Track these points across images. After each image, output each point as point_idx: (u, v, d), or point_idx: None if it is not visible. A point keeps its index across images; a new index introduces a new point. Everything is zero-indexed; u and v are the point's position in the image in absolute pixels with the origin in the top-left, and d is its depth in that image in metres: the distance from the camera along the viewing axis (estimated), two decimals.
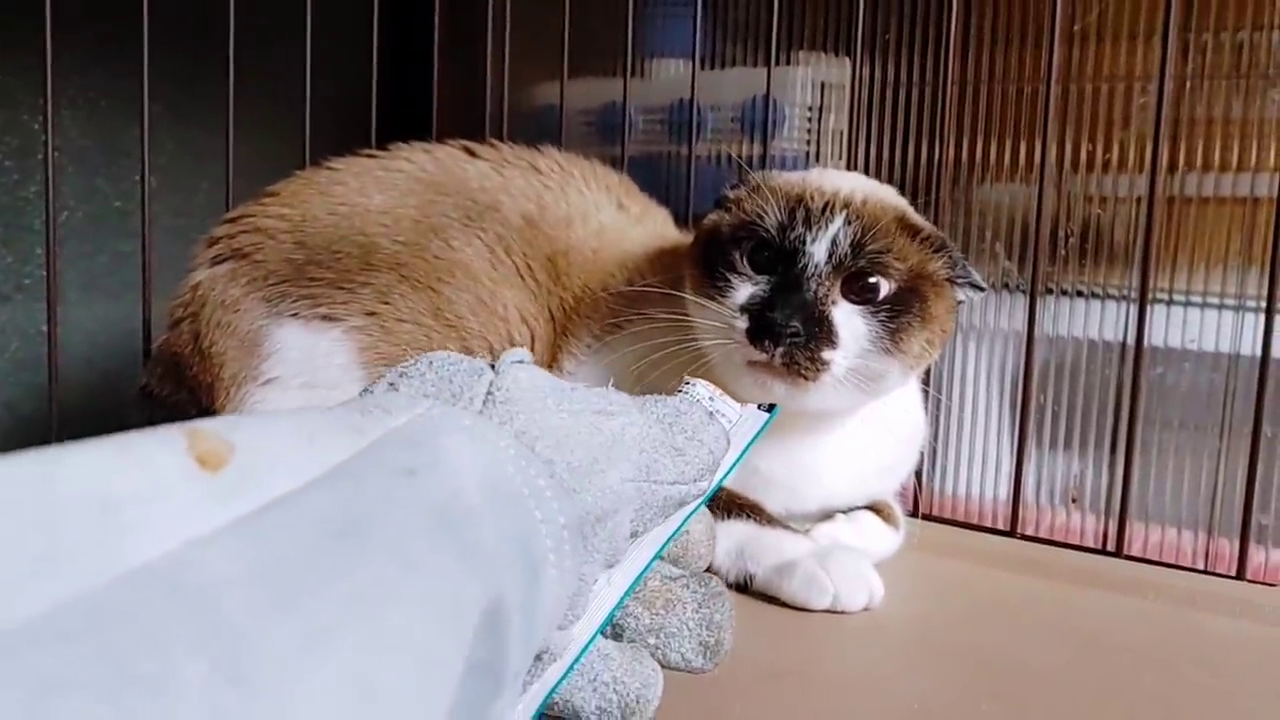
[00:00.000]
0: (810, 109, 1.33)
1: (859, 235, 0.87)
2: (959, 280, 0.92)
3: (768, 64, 1.21)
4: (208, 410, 1.00)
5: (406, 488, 0.46)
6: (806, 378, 0.85)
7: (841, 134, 1.32)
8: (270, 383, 1.00)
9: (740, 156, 1.36)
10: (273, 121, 1.33)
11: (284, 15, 1.27)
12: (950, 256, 0.91)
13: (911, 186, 1.25)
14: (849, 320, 0.86)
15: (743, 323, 0.86)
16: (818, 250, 0.87)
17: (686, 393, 0.68)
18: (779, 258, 0.88)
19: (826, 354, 0.85)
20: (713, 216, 0.96)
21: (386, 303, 1.00)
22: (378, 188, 1.05)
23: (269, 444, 0.44)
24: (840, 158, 1.32)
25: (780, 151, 1.32)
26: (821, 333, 0.85)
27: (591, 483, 0.55)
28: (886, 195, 0.95)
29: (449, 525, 0.46)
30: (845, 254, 0.86)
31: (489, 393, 0.56)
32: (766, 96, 1.23)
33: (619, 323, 1.00)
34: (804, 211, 0.88)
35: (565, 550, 0.52)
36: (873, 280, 0.87)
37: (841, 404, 0.90)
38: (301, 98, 1.28)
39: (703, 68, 1.34)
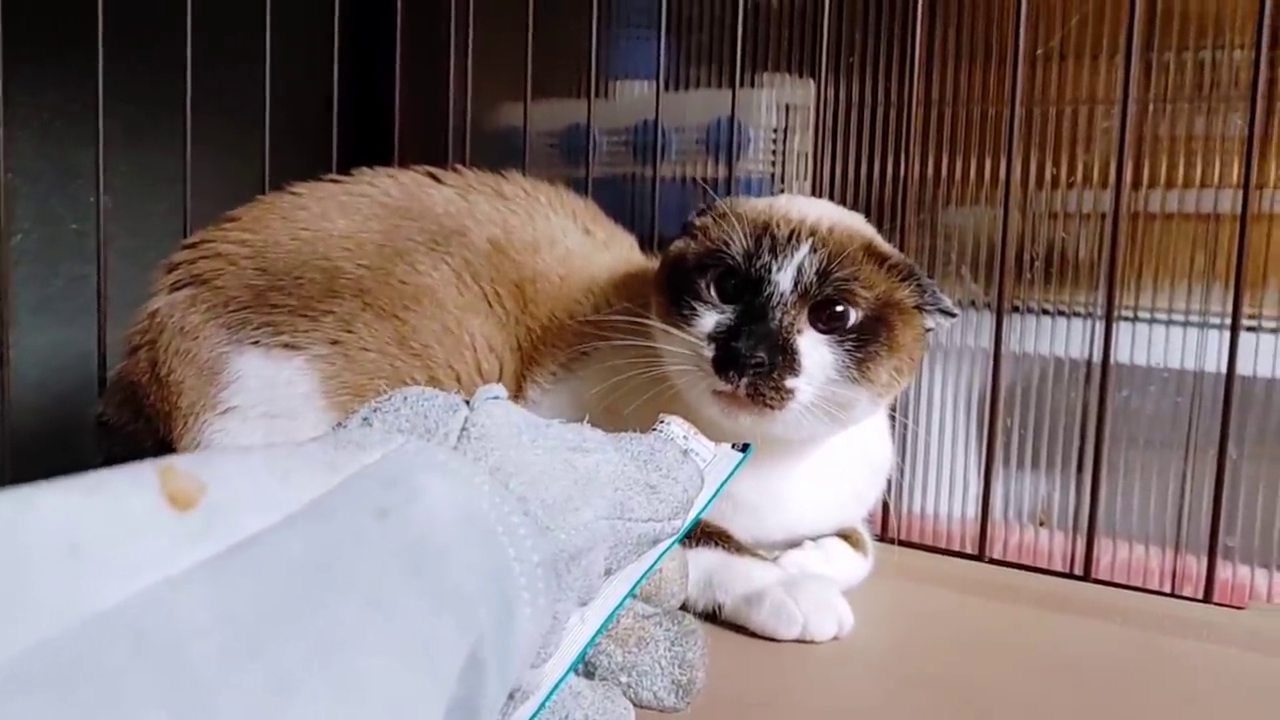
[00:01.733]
0: (775, 130, 1.33)
1: (825, 263, 0.86)
2: (928, 307, 0.91)
3: (732, 85, 1.21)
4: (165, 440, 0.99)
5: (378, 529, 0.45)
6: (772, 406, 0.84)
7: (806, 155, 1.32)
8: (229, 412, 0.98)
9: (705, 178, 1.36)
10: (231, 142, 1.31)
11: (243, 34, 1.26)
12: (919, 284, 0.91)
13: (877, 207, 1.25)
14: (815, 349, 0.86)
15: (709, 351, 0.85)
16: (783, 279, 0.86)
17: (661, 431, 0.68)
18: (745, 286, 0.88)
19: (790, 382, 0.84)
20: (679, 244, 0.96)
21: (350, 331, 0.98)
22: (341, 213, 1.04)
23: (241, 482, 0.43)
24: (805, 179, 1.32)
25: (745, 173, 1.32)
26: (785, 361, 0.84)
27: (566, 520, 0.54)
28: (854, 222, 0.94)
29: (422, 567, 0.45)
30: (811, 282, 0.86)
31: (464, 429, 0.55)
32: (731, 118, 1.22)
33: (585, 350, 0.99)
34: (770, 239, 0.88)
35: (539, 588, 0.52)
36: (840, 309, 0.87)
37: (810, 432, 0.90)
38: (261, 118, 1.26)
39: (667, 89, 1.33)
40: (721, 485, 0.70)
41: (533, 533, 0.52)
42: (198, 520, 0.39)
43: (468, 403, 0.58)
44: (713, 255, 0.90)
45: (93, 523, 0.36)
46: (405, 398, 0.57)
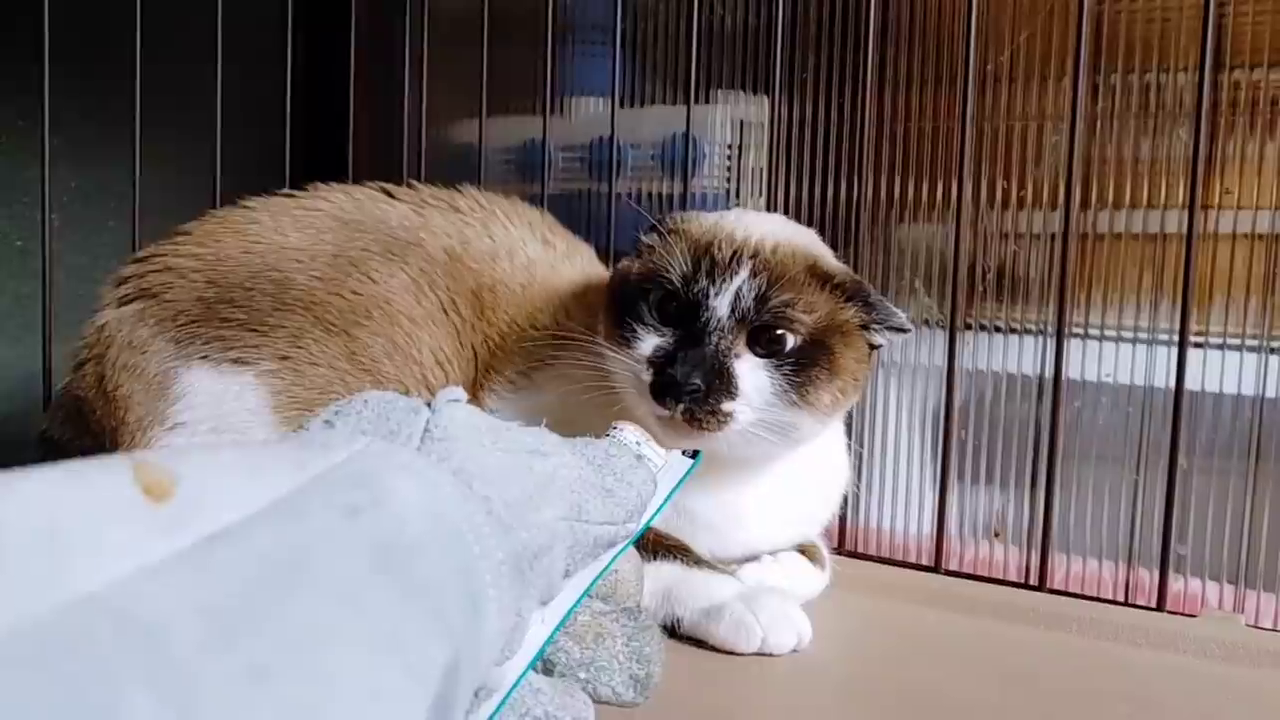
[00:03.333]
0: (729, 147, 1.33)
1: (764, 288, 0.86)
2: (875, 325, 0.91)
3: (687, 102, 1.21)
4: None
5: (348, 527, 0.46)
6: (708, 429, 0.84)
7: (761, 172, 1.33)
8: (177, 427, 0.96)
9: (660, 194, 1.36)
10: (182, 160, 1.30)
11: (194, 50, 1.25)
12: (866, 302, 0.90)
13: (831, 224, 1.26)
14: (752, 373, 0.86)
15: (648, 375, 0.86)
16: (721, 304, 0.86)
17: (615, 437, 0.69)
18: (684, 309, 0.88)
19: (727, 405, 0.84)
20: (625, 263, 0.96)
21: (299, 346, 0.97)
22: (294, 226, 1.03)
23: (213, 476, 0.44)
24: (760, 195, 1.33)
25: (700, 189, 1.32)
26: (721, 384, 0.84)
27: (527, 519, 0.55)
28: (800, 241, 0.93)
29: (392, 564, 0.46)
30: (749, 308, 0.86)
31: (426, 430, 0.56)
32: (686, 134, 1.23)
33: (543, 361, 0.99)
34: (709, 261, 0.87)
35: (504, 585, 0.52)
36: (779, 333, 0.86)
37: (755, 453, 0.90)
38: (212, 135, 1.25)
39: (622, 106, 1.34)
40: (673, 491, 0.72)
41: (496, 531, 0.53)
42: (172, 512, 0.40)
43: (429, 405, 0.59)
44: (653, 278, 0.89)
45: (73, 509, 0.38)
46: (366, 401, 0.58)
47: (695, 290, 0.87)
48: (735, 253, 0.88)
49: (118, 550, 0.37)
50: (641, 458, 0.68)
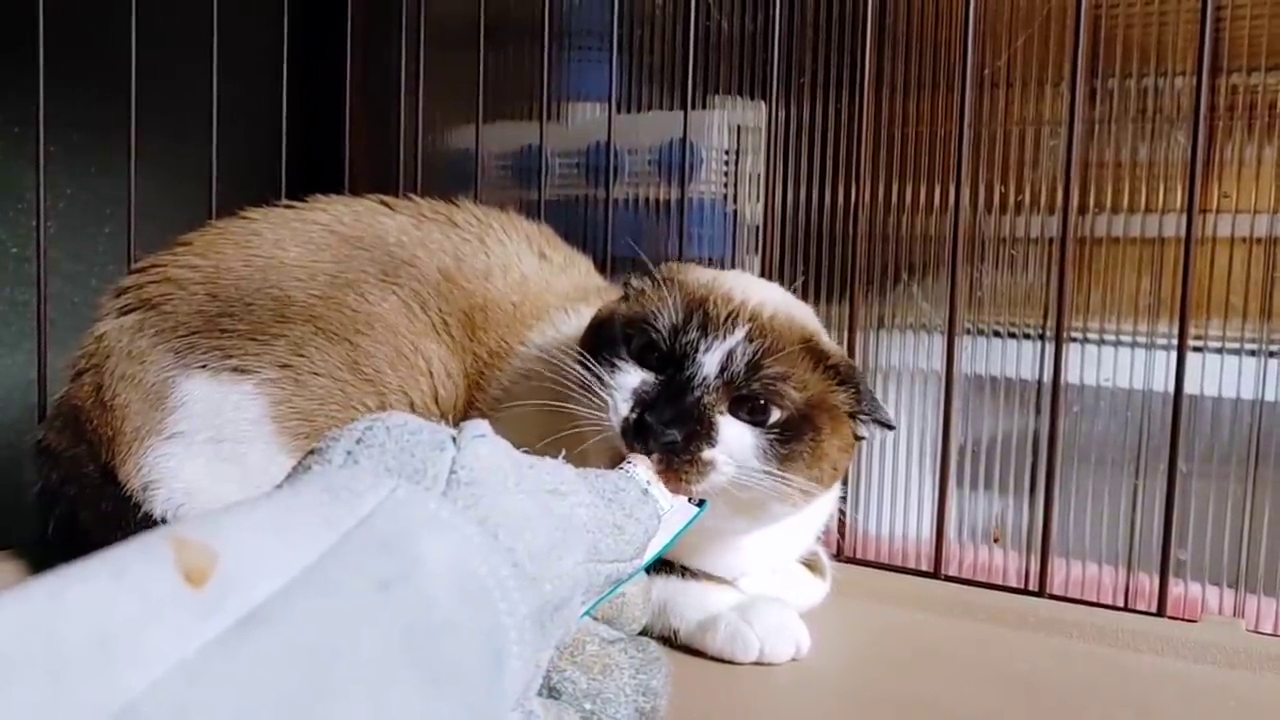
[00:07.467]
0: (727, 152, 1.33)
1: (758, 355, 0.82)
2: (863, 416, 0.87)
3: (684, 107, 1.21)
4: (107, 465, 0.96)
5: (380, 605, 0.46)
6: (687, 480, 0.79)
7: (758, 177, 1.33)
8: (174, 437, 0.96)
9: (658, 200, 1.36)
10: (177, 168, 1.29)
11: (190, 56, 1.24)
12: (857, 390, 0.86)
13: (829, 228, 1.26)
14: (734, 427, 0.82)
15: (626, 408, 0.81)
16: (710, 361, 0.82)
17: (625, 470, 0.70)
18: (668, 361, 0.83)
19: (707, 453, 0.79)
20: (609, 304, 0.92)
21: (301, 355, 0.97)
22: (294, 241, 1.02)
23: (248, 548, 0.44)
24: (757, 200, 1.33)
25: (697, 194, 1.32)
26: (702, 431, 0.80)
27: (550, 569, 0.55)
28: (799, 314, 0.90)
29: (423, 648, 0.46)
30: (739, 372, 0.82)
31: (452, 471, 0.54)
32: (683, 140, 1.22)
33: (519, 385, 0.97)
34: (702, 316, 0.83)
35: (527, 640, 0.52)
36: (762, 403, 0.82)
37: (721, 525, 0.85)
38: (208, 142, 1.25)
39: (619, 111, 1.33)
40: (676, 536, 0.72)
41: (521, 585, 0.52)
42: (211, 595, 0.41)
43: (453, 439, 0.57)
44: (638, 324, 0.85)
45: (119, 611, 0.39)
46: (388, 429, 0.56)
47: (683, 342, 0.82)
48: (732, 313, 0.84)
49: (159, 648, 0.38)
50: (647, 493, 0.68)
